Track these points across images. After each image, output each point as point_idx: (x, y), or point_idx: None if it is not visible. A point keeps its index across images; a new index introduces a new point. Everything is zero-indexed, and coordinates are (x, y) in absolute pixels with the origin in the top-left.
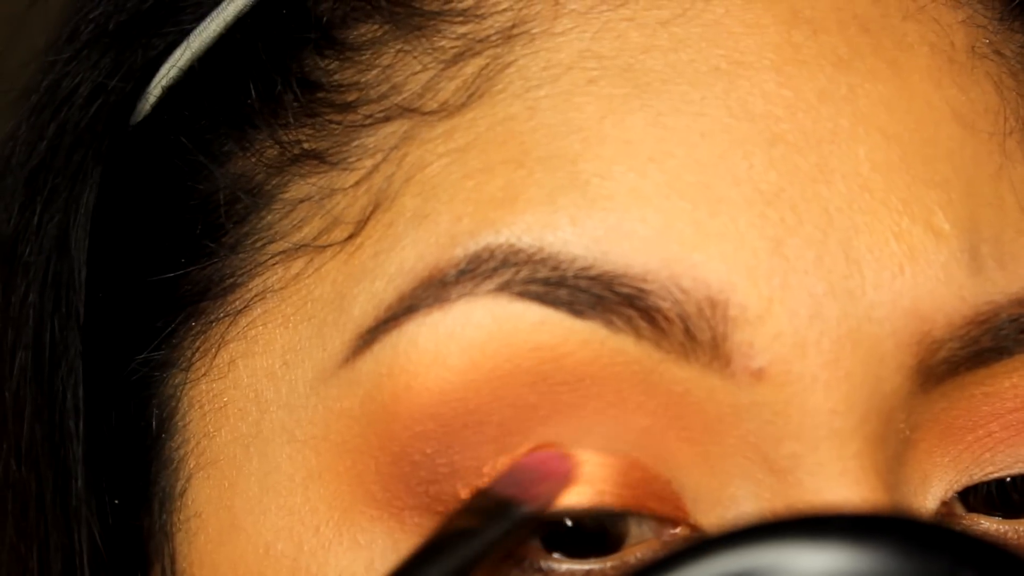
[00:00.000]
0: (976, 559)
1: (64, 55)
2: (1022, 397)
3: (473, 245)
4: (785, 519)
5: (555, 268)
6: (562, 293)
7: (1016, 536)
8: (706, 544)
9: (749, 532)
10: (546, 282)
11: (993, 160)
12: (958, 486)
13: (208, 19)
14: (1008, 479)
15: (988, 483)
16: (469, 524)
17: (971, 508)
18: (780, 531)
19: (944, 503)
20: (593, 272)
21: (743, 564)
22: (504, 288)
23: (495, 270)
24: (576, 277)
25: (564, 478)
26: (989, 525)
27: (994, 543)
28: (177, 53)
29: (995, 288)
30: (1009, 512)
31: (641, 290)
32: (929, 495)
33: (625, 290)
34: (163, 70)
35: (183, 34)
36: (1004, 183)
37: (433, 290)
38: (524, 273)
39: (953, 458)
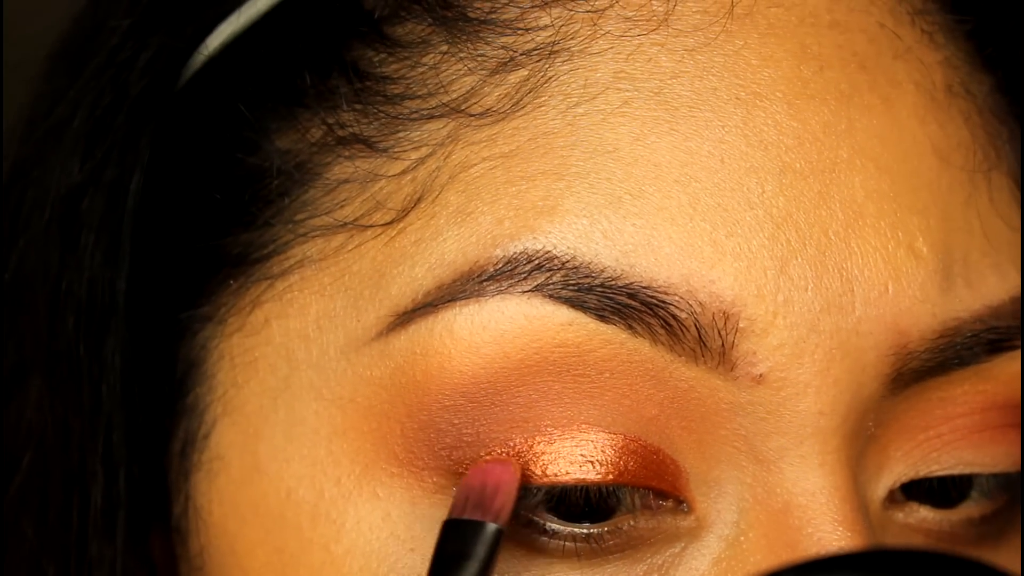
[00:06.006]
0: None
1: (124, 22)
2: (970, 404)
3: (512, 248)
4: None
5: (587, 276)
6: (591, 299)
7: (948, 525)
8: None
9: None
10: (578, 288)
11: (964, 190)
12: (905, 478)
13: None
14: (950, 477)
15: (931, 479)
16: (457, 548)
17: (911, 497)
18: None
19: (890, 491)
20: (621, 282)
21: None
22: (538, 290)
23: (531, 273)
24: (604, 286)
25: (513, 483)
26: (925, 513)
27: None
28: (223, 26)
29: (961, 305)
30: (942, 503)
31: (663, 301)
32: (881, 484)
33: (648, 300)
34: (209, 40)
35: (234, 5)
36: (972, 210)
37: (472, 284)
38: (558, 278)
39: (905, 453)
